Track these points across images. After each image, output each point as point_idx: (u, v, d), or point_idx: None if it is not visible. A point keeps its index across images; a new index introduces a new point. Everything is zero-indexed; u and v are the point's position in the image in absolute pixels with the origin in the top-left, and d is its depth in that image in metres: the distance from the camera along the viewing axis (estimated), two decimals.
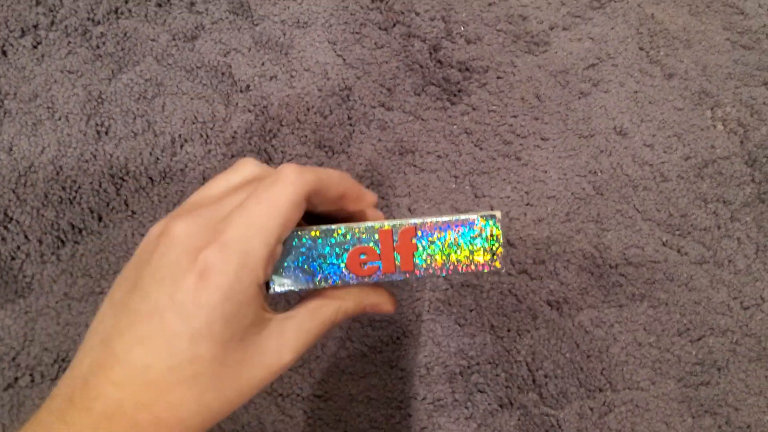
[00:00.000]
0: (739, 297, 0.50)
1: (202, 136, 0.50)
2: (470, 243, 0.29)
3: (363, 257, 0.28)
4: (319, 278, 0.28)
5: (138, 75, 0.51)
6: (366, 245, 0.28)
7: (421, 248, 0.29)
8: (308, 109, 0.51)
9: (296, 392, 0.46)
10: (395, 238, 0.28)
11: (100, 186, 0.48)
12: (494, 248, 0.29)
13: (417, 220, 0.29)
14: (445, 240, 0.29)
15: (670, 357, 0.48)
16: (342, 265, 0.28)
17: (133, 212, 0.48)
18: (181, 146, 0.50)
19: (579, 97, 0.53)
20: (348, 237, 0.28)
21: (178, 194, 0.49)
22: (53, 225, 0.47)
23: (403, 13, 0.54)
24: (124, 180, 0.49)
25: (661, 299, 0.49)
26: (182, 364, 0.24)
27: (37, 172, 0.48)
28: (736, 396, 0.48)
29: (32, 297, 0.46)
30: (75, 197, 0.48)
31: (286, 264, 0.28)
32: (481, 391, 0.47)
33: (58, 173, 0.48)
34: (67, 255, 0.47)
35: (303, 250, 0.28)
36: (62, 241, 0.47)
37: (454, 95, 0.53)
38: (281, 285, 0.28)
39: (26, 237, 0.47)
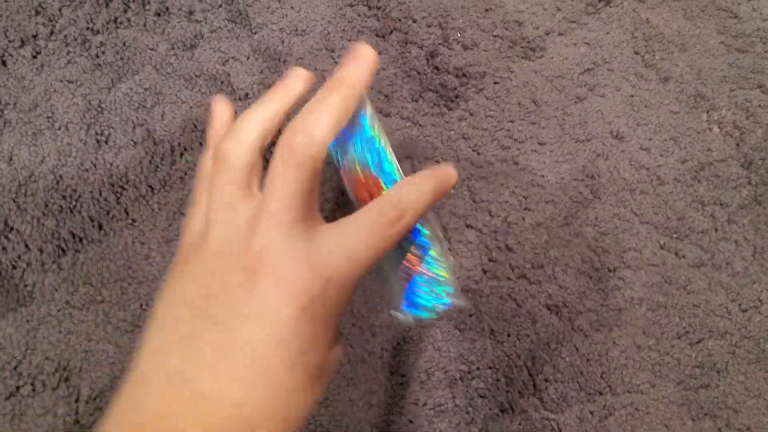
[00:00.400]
0: (738, 299, 0.50)
1: (201, 144, 0.50)
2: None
3: None
4: None
5: (137, 84, 0.51)
6: None
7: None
8: None
9: None
10: None
11: (100, 195, 0.48)
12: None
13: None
14: None
15: (670, 360, 0.48)
16: None
17: (134, 220, 0.48)
18: (181, 154, 0.50)
19: (575, 102, 0.54)
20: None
21: (178, 202, 0.49)
22: (54, 234, 0.47)
23: (400, 20, 0.54)
24: (124, 188, 0.49)
25: (659, 302, 0.49)
26: (279, 399, 0.22)
27: (37, 182, 0.48)
28: (736, 398, 0.48)
29: (33, 306, 0.47)
30: (75, 206, 0.48)
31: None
32: (481, 396, 0.47)
33: (58, 182, 0.48)
34: (68, 263, 0.47)
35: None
36: (63, 250, 0.47)
37: (452, 101, 0.53)
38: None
39: (27, 246, 0.47)
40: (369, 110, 0.31)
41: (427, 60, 0.54)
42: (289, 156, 0.24)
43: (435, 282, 0.29)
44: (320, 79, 0.52)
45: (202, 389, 0.21)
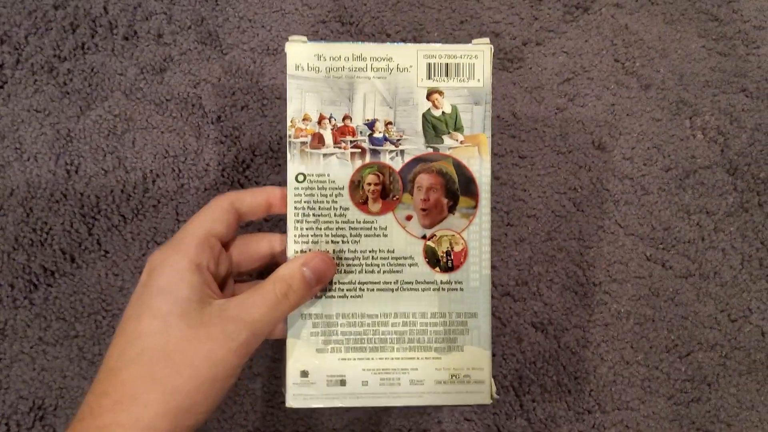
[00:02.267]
0: (727, 309, 0.49)
1: (174, 170, 0.49)
2: None
3: None
4: None
5: (107, 111, 0.50)
6: None
7: None
8: (281, 138, 0.50)
9: (278, 429, 0.45)
10: None
11: (71, 226, 0.47)
12: None
13: None
14: None
15: (659, 374, 0.47)
16: None
17: (106, 252, 0.47)
18: (153, 182, 0.49)
19: (555, 113, 0.53)
20: None
21: (152, 231, 0.48)
22: (24, 268, 0.46)
23: (374, 35, 0.53)
24: (96, 219, 0.48)
25: (647, 315, 0.48)
26: (130, 342, 0.28)
27: (6, 215, 0.47)
28: (728, 411, 0.47)
29: (6, 343, 0.45)
30: (46, 239, 0.47)
31: None
32: (468, 420, 0.46)
33: (28, 215, 0.47)
34: (40, 298, 0.46)
35: None
36: (34, 285, 0.46)
37: None
38: None
39: None
40: None
41: None
42: None
43: None
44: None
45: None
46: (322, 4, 0.54)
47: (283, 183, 0.50)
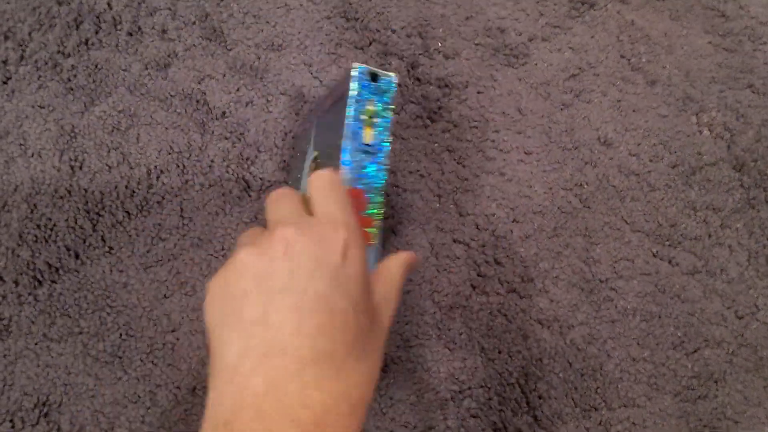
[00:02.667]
0: (733, 306, 0.49)
1: (178, 166, 0.49)
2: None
3: None
4: None
5: (111, 106, 0.50)
6: None
7: None
8: (286, 134, 0.50)
9: None
10: None
11: (75, 222, 0.47)
12: None
13: None
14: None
15: (666, 371, 0.47)
16: None
17: (111, 248, 0.47)
18: (158, 177, 0.49)
19: (561, 109, 0.52)
20: None
21: (156, 227, 0.48)
22: (29, 265, 0.46)
23: (379, 31, 0.53)
24: (100, 215, 0.47)
25: (653, 312, 0.48)
26: (348, 340, 0.24)
27: (10, 212, 0.47)
28: (735, 408, 0.47)
29: (10, 340, 0.45)
30: (50, 235, 0.47)
31: None
32: (474, 416, 0.45)
33: (32, 211, 0.47)
34: (45, 295, 0.46)
35: None
36: (39, 281, 0.46)
37: (434, 112, 0.52)
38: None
39: (2, 278, 0.46)
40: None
41: (408, 71, 0.52)
42: None
43: None
44: (298, 93, 0.51)
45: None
46: (327, 0, 0.54)
47: (286, 179, 0.49)
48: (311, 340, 0.23)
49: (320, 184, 0.28)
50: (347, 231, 0.26)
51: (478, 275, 0.48)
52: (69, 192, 0.48)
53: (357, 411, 0.24)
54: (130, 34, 0.51)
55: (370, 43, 0.53)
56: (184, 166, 0.49)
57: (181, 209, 0.48)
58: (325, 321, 0.23)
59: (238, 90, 0.51)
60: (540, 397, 0.46)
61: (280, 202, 0.29)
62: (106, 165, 0.48)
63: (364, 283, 0.25)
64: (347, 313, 0.24)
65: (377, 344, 0.26)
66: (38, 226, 0.47)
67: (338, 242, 0.25)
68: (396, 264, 0.30)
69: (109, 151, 0.49)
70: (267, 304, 0.24)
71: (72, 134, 0.49)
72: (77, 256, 0.47)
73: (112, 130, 0.49)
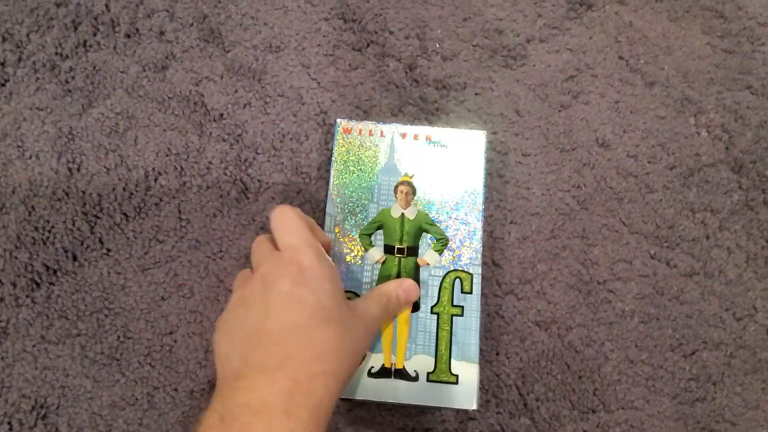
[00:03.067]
0: (732, 308, 0.49)
1: (176, 168, 0.49)
2: None
3: None
4: None
5: (109, 108, 0.50)
6: None
7: None
8: (284, 136, 0.50)
9: None
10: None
11: (73, 224, 0.47)
12: None
13: None
14: None
15: (664, 373, 0.47)
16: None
17: (108, 250, 0.47)
18: (155, 179, 0.49)
19: (559, 110, 0.52)
20: None
21: (154, 229, 0.48)
22: (27, 267, 0.46)
23: (376, 32, 0.53)
24: (98, 217, 0.48)
25: (651, 314, 0.48)
26: (316, 314, 0.33)
27: (8, 213, 0.47)
28: (733, 411, 0.47)
29: (8, 342, 0.45)
30: (48, 237, 0.47)
31: None
32: (471, 419, 0.45)
33: (30, 213, 0.47)
34: (43, 297, 0.46)
35: None
36: (37, 283, 0.46)
37: (432, 114, 0.52)
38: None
39: None
40: None
41: (406, 73, 0.52)
42: None
43: None
44: (296, 95, 0.51)
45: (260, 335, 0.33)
46: (325, 2, 0.54)
47: (286, 180, 0.49)
48: (281, 315, 0.32)
49: (275, 221, 0.37)
50: (299, 252, 0.35)
51: None
52: (67, 194, 0.48)
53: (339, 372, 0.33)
54: (128, 36, 0.51)
55: (368, 45, 0.53)
56: (181, 168, 0.49)
57: (179, 211, 0.48)
58: (290, 304, 0.33)
59: (236, 92, 0.51)
60: (537, 400, 0.46)
61: (257, 249, 0.38)
62: (104, 167, 0.49)
63: (323, 278, 0.34)
64: (307, 296, 0.33)
65: (356, 329, 0.35)
66: (36, 228, 0.47)
67: (293, 261, 0.34)
68: (388, 289, 0.41)
69: (106, 153, 0.49)
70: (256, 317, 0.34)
71: (70, 136, 0.49)
72: (75, 258, 0.47)
73: (110, 132, 0.49)
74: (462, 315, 0.43)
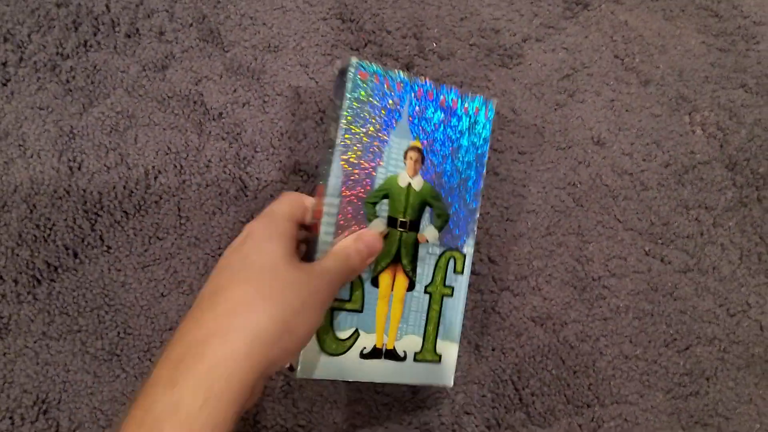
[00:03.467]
0: (725, 304, 0.49)
1: (176, 166, 0.49)
2: None
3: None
4: None
5: (109, 108, 0.50)
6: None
7: None
8: (282, 134, 0.51)
9: (280, 423, 0.45)
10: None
11: (74, 222, 0.48)
12: None
13: None
14: None
15: (658, 368, 0.47)
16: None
17: (109, 247, 0.48)
18: (155, 178, 0.49)
19: (555, 109, 0.53)
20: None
21: (154, 227, 0.48)
22: (28, 264, 0.47)
23: (374, 32, 0.54)
24: (98, 215, 0.48)
25: (646, 310, 0.49)
26: (238, 270, 0.32)
27: (10, 212, 0.48)
28: (726, 405, 0.47)
29: (10, 338, 0.46)
30: (49, 235, 0.47)
31: None
32: (467, 413, 0.46)
33: (31, 211, 0.48)
34: (44, 294, 0.47)
35: None
36: (38, 280, 0.47)
37: None
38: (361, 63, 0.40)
39: (1, 277, 0.46)
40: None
41: (404, 72, 0.53)
42: None
43: None
44: (295, 94, 0.52)
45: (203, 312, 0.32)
46: (323, 2, 0.54)
47: (284, 179, 0.50)
48: (210, 282, 0.33)
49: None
50: (247, 230, 0.35)
51: (472, 273, 0.48)
52: (68, 192, 0.48)
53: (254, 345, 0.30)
54: (128, 36, 0.52)
55: (366, 44, 0.53)
56: (181, 166, 0.50)
57: (179, 209, 0.49)
58: (219, 270, 0.33)
59: (235, 91, 0.51)
60: (533, 394, 0.46)
61: None
62: (105, 165, 0.49)
63: (262, 239, 0.34)
64: (235, 260, 0.33)
65: (305, 285, 0.33)
66: (37, 226, 0.47)
67: (242, 237, 0.35)
68: (345, 244, 0.38)
69: (107, 152, 0.49)
70: None
71: (71, 135, 0.49)
72: (76, 256, 0.47)
73: (111, 131, 0.50)
74: (452, 296, 0.42)
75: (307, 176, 0.50)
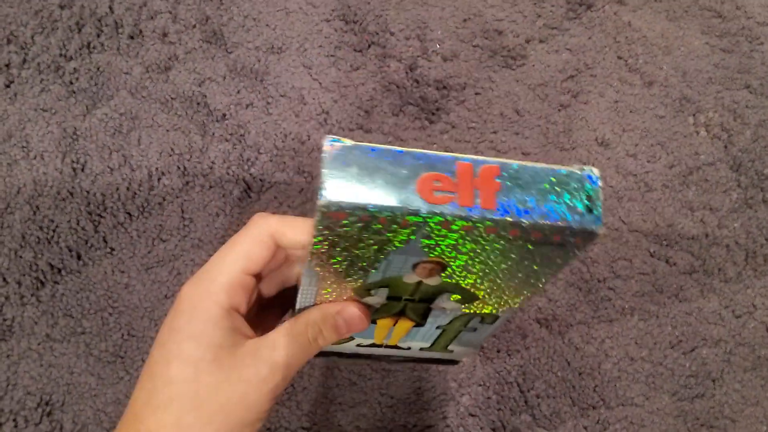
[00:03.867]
0: (731, 305, 0.49)
1: (179, 168, 0.49)
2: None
3: (437, 184, 0.22)
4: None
5: (112, 109, 0.50)
6: (441, 173, 0.22)
7: (504, 188, 0.22)
8: (286, 136, 0.51)
9: (284, 426, 0.45)
10: (476, 172, 0.22)
11: (78, 224, 0.48)
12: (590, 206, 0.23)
13: (501, 161, 0.23)
14: None
15: (664, 370, 0.47)
16: (412, 187, 0.22)
17: (112, 249, 0.48)
18: (159, 179, 0.49)
19: (559, 110, 0.53)
20: (422, 161, 0.22)
21: (157, 228, 0.48)
22: (32, 266, 0.47)
23: (377, 33, 0.54)
24: (102, 217, 0.48)
25: (651, 312, 0.48)
26: (158, 389, 0.26)
27: (13, 213, 0.48)
28: (733, 407, 0.47)
29: (13, 340, 0.46)
30: (53, 237, 0.47)
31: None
32: (472, 415, 0.46)
33: (35, 213, 0.48)
34: (47, 296, 0.47)
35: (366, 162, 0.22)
36: (42, 282, 0.47)
37: (433, 114, 0.52)
38: (338, 194, 0.21)
39: (5, 279, 0.46)
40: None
41: (407, 73, 0.53)
42: None
43: None
44: (298, 96, 0.52)
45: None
46: (326, 3, 0.54)
47: (288, 180, 0.50)
48: (137, 396, 0.27)
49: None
50: (173, 311, 0.28)
51: None
52: (71, 194, 0.48)
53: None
54: (132, 38, 0.52)
55: (369, 46, 0.53)
56: (184, 167, 0.49)
57: (182, 210, 0.49)
58: (143, 382, 0.28)
59: (238, 92, 0.51)
60: (538, 396, 0.46)
61: None
62: (108, 167, 0.49)
63: (177, 357, 0.27)
64: (155, 373, 0.27)
65: (235, 377, 0.27)
66: (41, 228, 0.47)
67: (172, 313, 0.29)
68: (321, 316, 0.29)
69: (110, 154, 0.49)
70: None
71: (74, 137, 0.49)
72: (79, 257, 0.47)
73: (114, 133, 0.50)
74: (475, 332, 0.33)
75: (311, 177, 0.50)
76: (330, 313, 0.29)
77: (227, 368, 0.27)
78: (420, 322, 0.32)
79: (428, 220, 0.21)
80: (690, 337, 0.48)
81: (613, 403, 0.46)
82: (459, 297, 0.29)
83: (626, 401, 0.47)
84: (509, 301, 0.28)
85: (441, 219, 0.21)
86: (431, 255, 0.25)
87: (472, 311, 0.30)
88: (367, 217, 0.22)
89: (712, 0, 0.57)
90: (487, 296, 0.28)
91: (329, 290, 0.28)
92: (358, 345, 0.35)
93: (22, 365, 0.45)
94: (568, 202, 0.22)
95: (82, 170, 0.49)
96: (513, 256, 0.24)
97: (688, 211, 0.51)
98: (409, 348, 0.35)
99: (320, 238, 0.23)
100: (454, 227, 0.22)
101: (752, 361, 0.48)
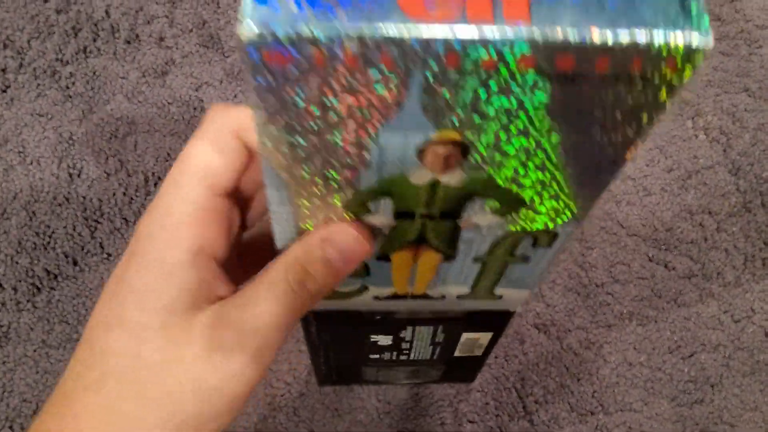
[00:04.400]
0: (730, 310, 0.49)
1: None
2: None
3: None
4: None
5: (109, 114, 0.50)
6: None
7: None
8: None
9: (279, 430, 0.45)
10: None
11: (74, 229, 0.47)
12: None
13: None
14: None
15: (662, 376, 0.47)
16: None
17: (109, 255, 0.47)
18: (155, 184, 0.49)
19: None
20: None
21: None
22: (28, 272, 0.47)
23: None
24: (98, 222, 0.48)
25: (650, 316, 0.48)
26: (93, 361, 0.20)
27: (9, 219, 0.47)
28: (732, 412, 0.47)
29: (9, 346, 0.46)
30: (49, 242, 0.47)
31: None
32: (470, 421, 0.46)
33: (31, 219, 0.48)
34: (43, 302, 0.46)
35: None
36: (38, 288, 0.47)
37: None
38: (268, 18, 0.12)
39: (1, 285, 0.46)
40: None
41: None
42: None
43: None
44: None
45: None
46: None
47: None
48: (71, 369, 0.22)
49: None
50: (127, 256, 0.21)
51: None
52: (67, 199, 0.48)
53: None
54: (128, 42, 0.52)
55: None
56: None
57: None
58: (80, 352, 0.22)
59: (235, 97, 0.51)
60: (536, 402, 0.46)
61: None
62: (105, 172, 0.49)
63: (129, 327, 0.20)
64: (94, 343, 0.21)
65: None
66: (37, 234, 0.47)
67: (122, 266, 0.22)
68: (303, 252, 0.20)
69: (107, 159, 0.49)
70: None
71: (70, 142, 0.49)
72: (76, 263, 0.47)
73: (110, 138, 0.50)
74: (526, 262, 0.23)
75: None
76: (314, 243, 0.19)
77: (180, 341, 0.19)
78: (449, 252, 0.22)
79: (424, 52, 0.12)
80: (689, 342, 0.48)
81: (612, 408, 0.46)
82: (496, 203, 0.20)
83: (625, 407, 0.46)
84: (570, 203, 0.19)
85: (444, 48, 0.12)
86: (442, 128, 0.15)
87: (518, 228, 0.21)
88: (324, 55, 0.12)
89: (711, 3, 0.57)
90: (536, 198, 0.19)
91: (309, 209, 0.19)
92: (376, 297, 0.26)
93: (18, 372, 0.45)
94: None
95: (79, 175, 0.49)
96: (567, 109, 0.14)
97: (686, 214, 0.51)
98: (443, 297, 0.26)
99: (260, 110, 0.14)
100: (468, 64, 0.12)
101: (751, 365, 0.48)
